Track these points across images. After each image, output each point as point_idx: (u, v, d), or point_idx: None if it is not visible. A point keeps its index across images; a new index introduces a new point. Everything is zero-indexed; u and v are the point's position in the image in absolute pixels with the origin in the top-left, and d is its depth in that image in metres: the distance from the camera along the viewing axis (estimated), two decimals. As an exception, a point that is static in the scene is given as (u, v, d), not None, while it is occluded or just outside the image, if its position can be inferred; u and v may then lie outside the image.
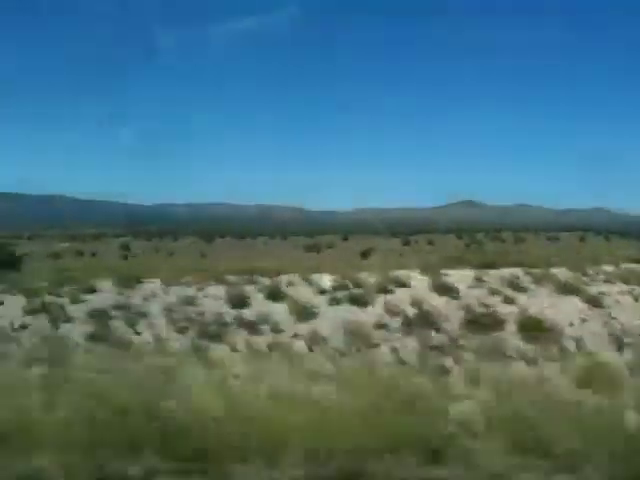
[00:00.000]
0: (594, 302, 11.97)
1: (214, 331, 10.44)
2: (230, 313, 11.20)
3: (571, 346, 9.98)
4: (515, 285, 12.69)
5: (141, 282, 12.52)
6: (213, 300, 11.82)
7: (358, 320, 10.77)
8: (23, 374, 5.94)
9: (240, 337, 10.22)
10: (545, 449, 4.05)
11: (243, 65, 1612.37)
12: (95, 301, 11.59)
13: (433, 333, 10.51)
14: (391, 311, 11.20)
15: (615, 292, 12.60)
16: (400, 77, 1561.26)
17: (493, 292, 12.29)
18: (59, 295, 11.76)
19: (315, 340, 10.04)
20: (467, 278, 13.08)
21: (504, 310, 11.38)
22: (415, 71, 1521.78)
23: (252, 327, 10.60)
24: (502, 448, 4.06)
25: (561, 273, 13.58)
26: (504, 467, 3.82)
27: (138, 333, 10.48)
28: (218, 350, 9.32)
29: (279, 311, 11.25)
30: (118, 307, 11.24)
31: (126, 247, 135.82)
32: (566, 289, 12.48)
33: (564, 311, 11.55)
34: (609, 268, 14.25)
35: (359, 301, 11.64)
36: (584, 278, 13.53)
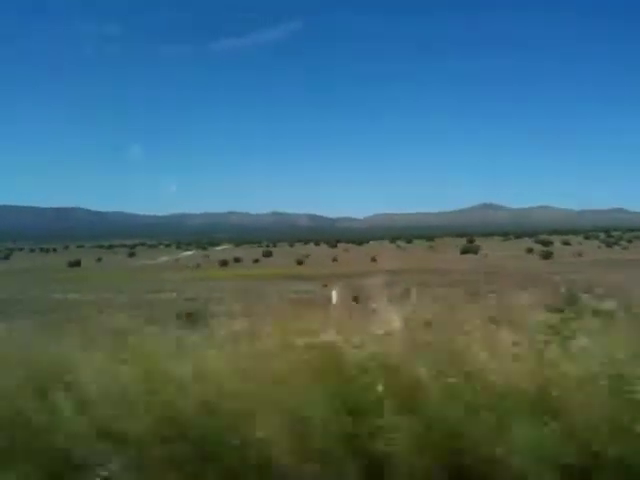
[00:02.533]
0: None
1: None
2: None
3: None
4: None
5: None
6: None
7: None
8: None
9: None
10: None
11: (256, 75, 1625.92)
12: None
13: None
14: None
15: None
16: (417, 77, 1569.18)
17: None
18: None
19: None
20: None
21: None
22: (431, 71, 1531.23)
23: None
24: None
25: None
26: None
27: None
28: None
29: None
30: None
31: (268, 254, 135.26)
32: None
33: None
34: None
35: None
36: None
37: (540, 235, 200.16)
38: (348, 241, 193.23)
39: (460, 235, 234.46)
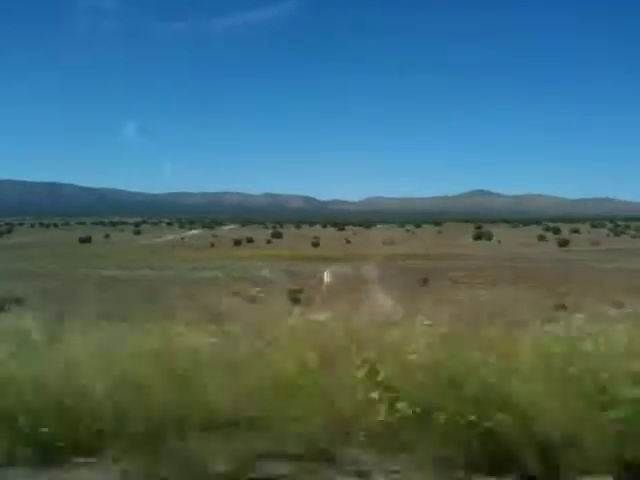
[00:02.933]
0: None
1: None
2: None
3: None
4: None
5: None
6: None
7: None
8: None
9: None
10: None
11: (253, 56, 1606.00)
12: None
13: None
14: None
15: None
16: (413, 67, 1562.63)
17: None
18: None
19: None
20: None
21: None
22: (427, 61, 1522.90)
23: None
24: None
25: None
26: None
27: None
28: None
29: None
30: None
31: (278, 235, 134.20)
32: None
33: None
34: None
35: None
36: None
37: (544, 222, 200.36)
38: (344, 223, 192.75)
39: (463, 220, 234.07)
